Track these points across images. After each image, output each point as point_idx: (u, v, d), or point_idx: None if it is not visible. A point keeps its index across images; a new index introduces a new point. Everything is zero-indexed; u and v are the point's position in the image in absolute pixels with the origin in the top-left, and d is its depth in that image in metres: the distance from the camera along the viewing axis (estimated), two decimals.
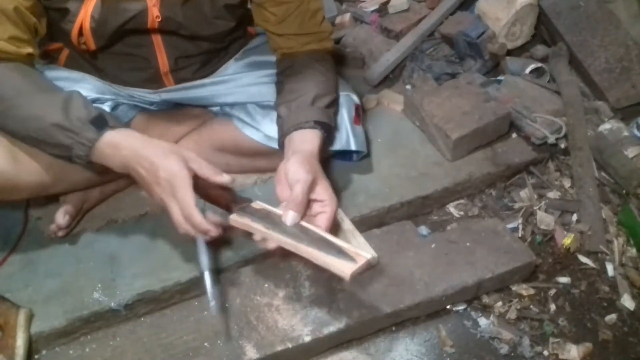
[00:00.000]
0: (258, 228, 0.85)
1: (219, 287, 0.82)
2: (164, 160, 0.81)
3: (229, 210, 0.90)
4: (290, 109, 0.98)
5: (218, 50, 1.11)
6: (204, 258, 0.83)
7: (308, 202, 0.86)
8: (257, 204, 0.91)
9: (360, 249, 0.83)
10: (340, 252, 0.80)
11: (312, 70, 1.03)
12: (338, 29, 1.67)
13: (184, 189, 0.80)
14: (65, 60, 1.08)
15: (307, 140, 0.94)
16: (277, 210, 0.87)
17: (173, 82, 1.08)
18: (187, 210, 0.80)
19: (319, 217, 0.86)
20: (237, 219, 0.87)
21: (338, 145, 1.06)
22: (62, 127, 0.83)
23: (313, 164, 0.89)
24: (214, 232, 0.82)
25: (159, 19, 0.94)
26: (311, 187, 0.86)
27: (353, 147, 1.07)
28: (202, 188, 0.85)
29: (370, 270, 0.98)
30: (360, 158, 1.16)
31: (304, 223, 0.85)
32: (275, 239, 0.84)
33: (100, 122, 0.84)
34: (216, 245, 1.03)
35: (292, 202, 0.84)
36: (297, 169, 0.86)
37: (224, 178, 0.84)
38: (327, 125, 0.98)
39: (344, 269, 0.78)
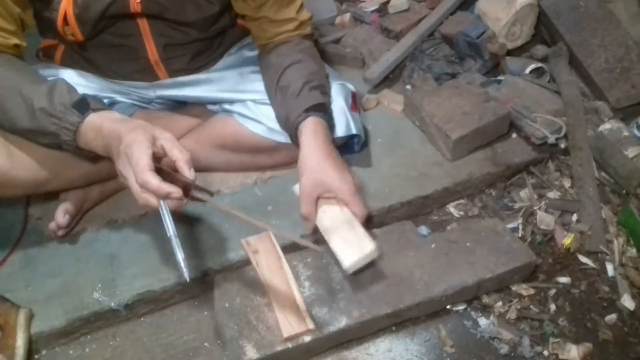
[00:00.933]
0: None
1: (186, 253, 0.77)
2: (128, 134, 0.77)
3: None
4: (286, 110, 0.99)
5: (208, 40, 1.10)
6: (169, 222, 0.76)
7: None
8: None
9: (361, 242, 0.91)
10: (355, 240, 0.91)
11: (291, 61, 1.03)
12: (338, 29, 1.67)
13: (138, 153, 0.74)
14: (61, 57, 1.08)
15: (307, 135, 0.97)
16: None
17: (166, 73, 1.08)
18: (141, 176, 0.73)
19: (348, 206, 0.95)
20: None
21: (339, 132, 1.06)
22: (48, 113, 0.82)
23: (320, 166, 0.95)
24: (176, 192, 0.74)
25: (139, 0, 0.94)
26: (315, 198, 0.96)
27: (354, 131, 1.07)
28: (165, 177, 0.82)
29: (370, 265, 0.99)
30: (360, 149, 1.16)
31: (343, 212, 0.95)
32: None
33: (83, 106, 0.83)
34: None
35: (300, 214, 0.97)
36: (340, 181, 0.94)
37: (190, 172, 0.78)
38: (317, 105, 0.99)
39: (347, 257, 0.90)
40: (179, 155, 0.77)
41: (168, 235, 0.76)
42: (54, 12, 0.93)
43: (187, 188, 0.80)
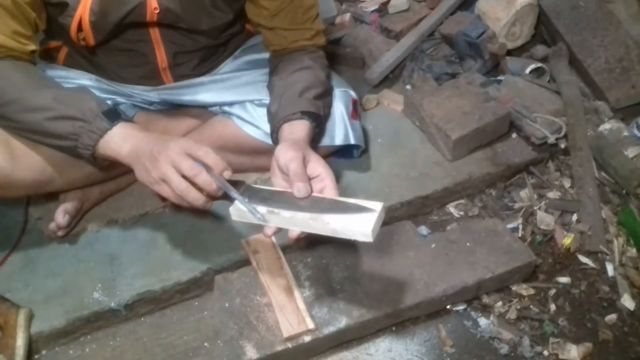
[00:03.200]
0: (263, 214, 0.78)
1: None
2: (163, 144, 0.79)
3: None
4: (279, 104, 0.97)
5: (216, 46, 1.11)
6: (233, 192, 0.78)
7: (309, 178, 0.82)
8: (253, 185, 0.85)
9: (366, 203, 0.76)
10: (356, 208, 0.75)
11: (300, 66, 1.03)
12: (338, 29, 1.67)
13: (181, 155, 0.77)
14: (64, 59, 1.08)
15: (295, 131, 0.93)
16: (278, 189, 0.83)
17: (172, 78, 1.09)
18: (192, 171, 0.76)
19: (324, 191, 0.81)
20: (237, 209, 0.80)
21: (338, 140, 1.06)
22: (72, 118, 0.84)
23: (301, 145, 0.86)
24: (219, 192, 0.78)
25: (157, 11, 0.94)
26: (304, 162, 0.82)
27: (352, 141, 1.07)
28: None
29: (371, 265, 0.99)
30: (360, 154, 1.17)
31: (317, 194, 0.80)
32: (283, 222, 0.78)
33: (113, 115, 0.86)
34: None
35: (295, 176, 0.79)
36: (285, 151, 0.82)
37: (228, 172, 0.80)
38: (315, 115, 0.96)
39: (364, 223, 0.73)
40: (217, 162, 0.80)
41: (237, 198, 0.78)
42: (69, 18, 0.93)
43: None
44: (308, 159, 0.82)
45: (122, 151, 0.84)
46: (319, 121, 0.99)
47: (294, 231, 0.77)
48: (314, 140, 0.99)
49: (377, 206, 0.75)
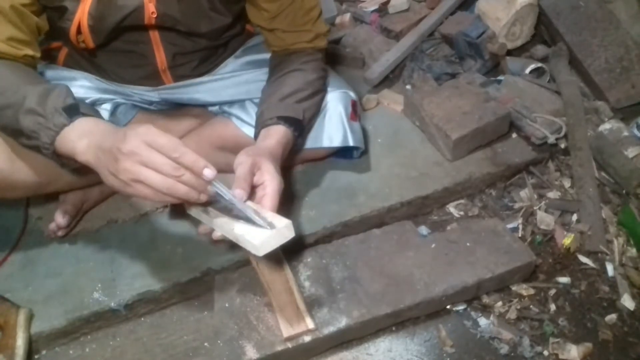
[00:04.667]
0: (201, 214, 0.82)
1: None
2: (122, 139, 0.71)
3: None
4: (262, 110, 0.98)
5: (216, 47, 1.11)
6: (224, 190, 0.75)
7: (253, 187, 0.83)
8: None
9: (276, 219, 0.78)
10: (263, 222, 0.76)
11: (291, 69, 1.03)
12: (338, 29, 1.67)
13: (165, 136, 0.70)
14: (64, 59, 1.08)
15: (267, 135, 0.93)
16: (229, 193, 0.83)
17: (172, 79, 1.09)
18: (177, 149, 0.69)
19: (263, 199, 0.82)
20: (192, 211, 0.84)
21: (336, 142, 1.06)
22: (35, 113, 0.78)
23: (259, 151, 0.88)
24: (211, 169, 0.72)
25: (155, 15, 0.94)
26: (252, 167, 0.83)
27: (351, 143, 1.07)
28: None
29: (371, 265, 0.99)
30: (360, 155, 1.17)
31: (250, 203, 0.81)
32: (210, 223, 0.82)
33: (73, 110, 0.79)
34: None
35: (236, 180, 0.80)
36: (239, 155, 0.85)
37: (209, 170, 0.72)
38: (292, 120, 0.96)
39: (257, 237, 0.75)
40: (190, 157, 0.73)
41: (229, 199, 0.76)
42: (68, 22, 0.93)
43: None
44: (259, 166, 0.84)
45: (77, 149, 0.76)
46: (298, 125, 0.98)
47: (216, 232, 0.81)
48: (295, 143, 0.99)
49: (280, 223, 0.77)
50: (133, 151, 0.69)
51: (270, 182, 0.82)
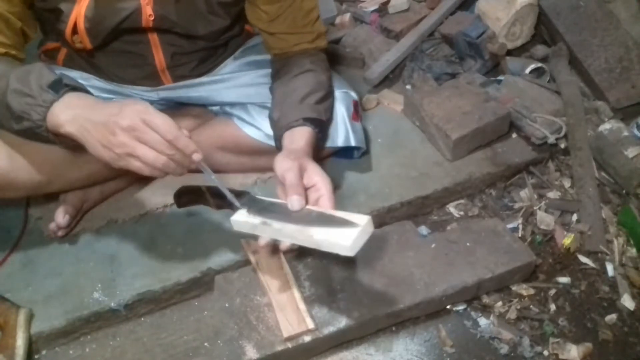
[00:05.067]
0: (256, 223, 0.82)
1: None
2: (118, 114, 0.73)
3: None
4: (281, 112, 0.98)
5: (215, 47, 1.11)
6: (208, 170, 0.78)
7: (304, 190, 0.83)
8: (256, 196, 0.88)
9: (354, 217, 0.77)
10: (341, 222, 0.76)
11: (302, 70, 1.03)
12: (338, 29, 1.67)
13: (162, 116, 0.72)
14: (64, 59, 1.08)
15: (295, 139, 0.93)
16: (277, 201, 0.85)
17: (171, 79, 1.09)
18: (172, 132, 0.71)
19: (320, 201, 0.82)
20: (236, 219, 0.85)
21: (339, 142, 1.06)
22: (22, 93, 0.77)
23: (298, 154, 0.88)
24: (199, 154, 0.74)
25: (152, 17, 0.94)
26: (300, 171, 0.84)
27: (353, 143, 1.07)
28: None
29: (371, 265, 0.99)
30: (361, 155, 1.17)
31: (310, 207, 0.82)
32: (274, 233, 0.81)
33: (58, 85, 0.78)
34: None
35: (290, 187, 0.81)
36: (281, 161, 0.85)
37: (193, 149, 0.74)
38: (317, 121, 0.97)
39: (345, 237, 0.73)
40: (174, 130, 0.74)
41: (209, 179, 0.79)
42: (63, 24, 0.93)
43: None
44: (305, 168, 0.84)
45: (61, 120, 0.76)
46: (322, 126, 0.99)
47: (284, 242, 0.80)
48: (318, 144, 0.99)
49: (362, 220, 0.76)
50: (132, 126, 0.71)
51: (323, 183, 0.83)
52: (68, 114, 0.76)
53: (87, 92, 0.82)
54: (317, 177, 0.83)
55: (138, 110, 0.72)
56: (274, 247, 1.03)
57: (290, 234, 0.79)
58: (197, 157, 0.74)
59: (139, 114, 0.72)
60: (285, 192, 0.82)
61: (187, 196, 0.95)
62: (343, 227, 0.75)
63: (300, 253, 1.04)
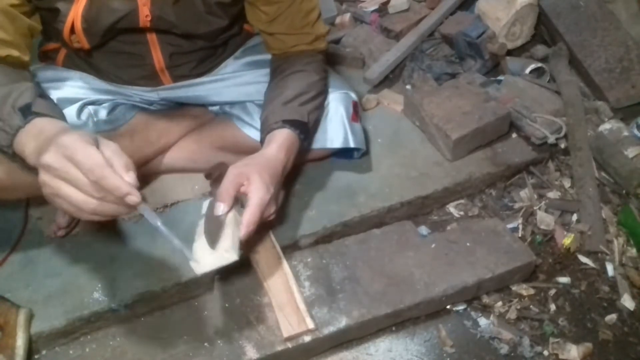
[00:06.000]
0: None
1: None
2: (63, 136, 0.65)
3: None
4: (266, 114, 0.98)
5: (214, 47, 1.11)
6: (152, 215, 0.71)
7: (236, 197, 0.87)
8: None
9: (225, 249, 0.81)
10: (221, 245, 0.82)
11: (293, 71, 1.03)
12: (338, 29, 1.67)
13: (87, 150, 0.63)
14: (63, 60, 1.08)
15: (271, 141, 0.94)
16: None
17: (170, 79, 1.08)
18: (96, 170, 0.62)
19: (244, 211, 0.85)
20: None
21: (337, 144, 1.06)
22: None
23: (254, 160, 0.90)
24: (135, 194, 0.64)
25: (149, 18, 0.94)
26: (237, 179, 0.86)
27: (352, 145, 1.07)
28: None
29: (371, 265, 0.99)
30: (361, 156, 1.17)
31: (230, 215, 0.86)
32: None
33: (27, 110, 0.73)
34: None
35: (217, 193, 0.85)
36: (231, 167, 0.88)
37: (129, 176, 0.65)
38: (297, 122, 0.96)
39: (203, 259, 0.80)
40: (116, 160, 0.65)
41: (155, 225, 0.73)
42: (61, 23, 0.92)
43: None
44: (247, 177, 0.86)
45: (25, 153, 0.70)
46: (304, 128, 0.98)
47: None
48: (302, 145, 0.99)
49: (228, 258, 0.80)
50: (49, 165, 0.64)
51: (252, 195, 0.84)
52: (31, 146, 0.70)
53: (62, 116, 0.77)
54: (251, 186, 0.85)
55: (61, 145, 0.64)
56: (273, 247, 1.03)
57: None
58: (132, 200, 0.64)
59: (61, 148, 0.63)
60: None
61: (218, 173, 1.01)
62: (219, 250, 0.81)
63: (300, 253, 1.04)
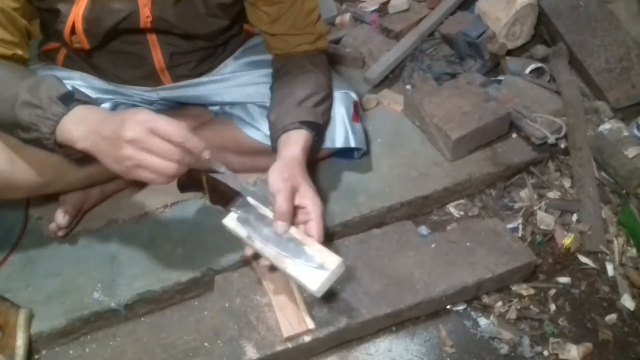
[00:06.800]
0: (243, 235, 0.87)
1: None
2: (120, 124, 0.73)
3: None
4: (278, 113, 0.98)
5: (214, 47, 1.11)
6: (221, 167, 0.82)
7: (294, 209, 0.86)
8: (252, 201, 0.91)
9: (327, 257, 0.82)
10: (313, 261, 0.81)
11: (302, 71, 1.03)
12: (338, 29, 1.67)
13: (162, 120, 0.73)
14: (63, 59, 1.08)
15: (290, 142, 0.93)
16: (267, 213, 0.88)
17: (170, 79, 1.09)
18: (180, 134, 0.72)
19: (308, 225, 0.85)
20: (227, 223, 0.89)
21: (338, 143, 1.06)
22: (31, 105, 0.78)
23: (293, 168, 0.88)
24: (209, 150, 0.77)
25: (150, 19, 0.94)
26: (292, 193, 0.85)
27: (353, 144, 1.07)
28: None
29: (371, 265, 0.99)
30: (361, 155, 1.17)
31: (293, 230, 0.85)
32: (257, 249, 0.86)
33: (68, 98, 0.80)
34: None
35: (277, 212, 0.83)
36: (275, 178, 0.85)
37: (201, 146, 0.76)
38: (313, 124, 0.97)
39: (314, 280, 0.79)
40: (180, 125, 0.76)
41: (223, 171, 0.83)
42: (62, 24, 0.93)
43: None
44: (297, 188, 0.86)
45: (74, 136, 0.77)
46: (319, 129, 0.99)
47: (264, 261, 0.86)
48: (314, 147, 0.99)
49: (333, 263, 0.80)
50: (136, 138, 0.71)
51: (313, 207, 0.85)
52: (80, 130, 0.77)
53: (95, 103, 0.84)
54: (308, 200, 0.85)
55: (141, 120, 0.72)
56: None
57: (269, 256, 0.84)
58: (207, 154, 0.76)
59: (142, 123, 0.72)
60: (274, 212, 0.84)
61: (188, 185, 1.00)
62: (315, 267, 0.80)
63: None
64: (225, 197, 0.91)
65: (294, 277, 0.81)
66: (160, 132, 0.72)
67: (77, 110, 0.79)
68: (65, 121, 0.78)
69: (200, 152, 0.75)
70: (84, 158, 0.83)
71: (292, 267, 0.81)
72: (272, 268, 0.89)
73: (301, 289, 0.97)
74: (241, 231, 0.87)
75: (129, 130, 0.71)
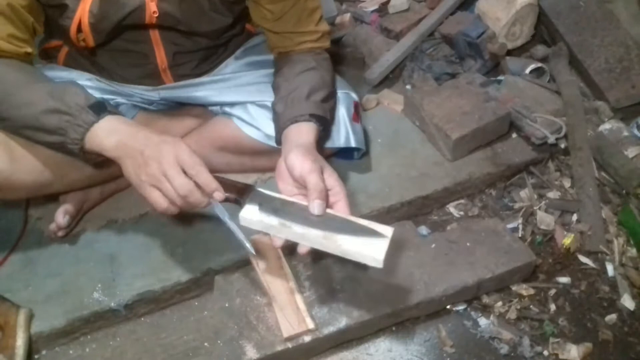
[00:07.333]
0: (273, 223, 0.78)
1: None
2: (156, 148, 0.79)
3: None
4: (285, 104, 0.97)
5: (216, 47, 1.11)
6: (222, 210, 0.81)
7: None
8: (263, 191, 0.84)
9: (377, 226, 0.77)
10: (368, 232, 0.75)
11: (307, 67, 1.02)
12: (338, 29, 1.67)
13: (190, 153, 0.78)
14: (65, 58, 1.08)
15: (302, 133, 0.92)
16: (289, 198, 0.82)
17: (172, 78, 1.09)
18: (196, 168, 0.77)
19: (337, 205, 0.82)
20: (248, 216, 0.79)
21: (338, 143, 1.06)
22: (59, 111, 0.82)
23: (314, 153, 0.86)
24: (221, 193, 0.79)
25: (156, 14, 0.94)
26: (322, 174, 0.82)
27: (353, 144, 1.07)
28: None
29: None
30: (361, 156, 1.17)
31: (329, 210, 0.79)
32: (295, 236, 0.77)
33: (99, 108, 0.84)
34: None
35: (315, 191, 0.78)
36: (302, 161, 0.81)
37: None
38: (322, 119, 0.96)
39: (376, 250, 0.73)
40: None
41: (223, 220, 0.81)
42: (68, 19, 0.93)
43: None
44: (323, 171, 0.82)
45: (105, 145, 0.82)
46: (325, 125, 0.99)
47: (304, 246, 0.78)
48: (319, 143, 0.99)
49: (388, 232, 0.76)
50: (162, 164, 0.77)
51: (340, 189, 0.82)
52: (112, 139, 0.81)
53: (122, 114, 0.88)
54: (333, 181, 0.82)
55: (172, 150, 0.78)
56: (273, 247, 1.03)
57: (314, 240, 0.76)
58: (218, 196, 0.78)
59: (173, 153, 0.78)
60: (307, 195, 0.79)
61: None
62: (371, 237, 0.75)
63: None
64: (235, 191, 0.83)
65: (352, 252, 0.74)
66: (180, 160, 0.77)
67: (109, 120, 0.83)
68: (95, 129, 0.82)
69: (210, 193, 0.78)
70: (103, 162, 0.88)
71: (347, 242, 0.74)
72: (313, 253, 0.81)
73: (301, 289, 0.97)
74: (269, 220, 0.78)
75: (165, 156, 0.77)
